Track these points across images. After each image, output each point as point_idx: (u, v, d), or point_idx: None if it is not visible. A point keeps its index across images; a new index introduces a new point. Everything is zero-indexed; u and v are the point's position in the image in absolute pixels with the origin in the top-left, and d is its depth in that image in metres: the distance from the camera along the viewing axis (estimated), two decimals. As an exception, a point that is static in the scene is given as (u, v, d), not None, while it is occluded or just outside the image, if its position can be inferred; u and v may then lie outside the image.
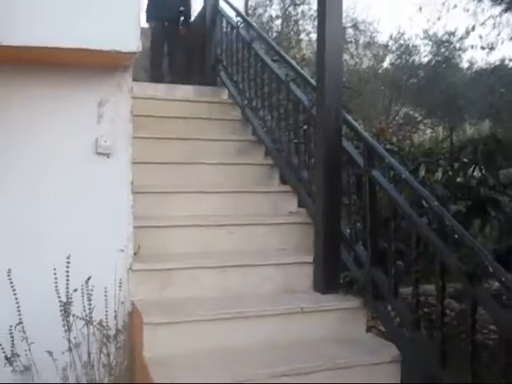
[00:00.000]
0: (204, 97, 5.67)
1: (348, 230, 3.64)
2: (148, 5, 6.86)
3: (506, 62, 12.91)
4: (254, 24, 5.70)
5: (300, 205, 4.23)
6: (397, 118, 12.22)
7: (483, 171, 4.61)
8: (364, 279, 3.44)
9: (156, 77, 6.60)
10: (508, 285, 2.44)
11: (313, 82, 4.01)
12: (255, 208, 4.16)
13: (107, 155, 3.30)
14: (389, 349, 3.22)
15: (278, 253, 3.80)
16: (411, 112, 12.82)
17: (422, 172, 4.23)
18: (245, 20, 5.55)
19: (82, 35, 2.89)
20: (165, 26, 6.83)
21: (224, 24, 5.86)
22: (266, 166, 4.62)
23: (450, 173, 4.45)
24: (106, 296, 3.09)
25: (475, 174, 4.95)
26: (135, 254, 3.38)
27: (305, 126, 4.26)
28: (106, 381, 3.06)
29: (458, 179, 4.63)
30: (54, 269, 2.93)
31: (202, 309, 3.23)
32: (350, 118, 3.77)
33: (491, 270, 2.51)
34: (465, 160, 4.41)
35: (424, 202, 2.93)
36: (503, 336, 2.47)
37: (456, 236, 2.73)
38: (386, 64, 13.58)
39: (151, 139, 4.35)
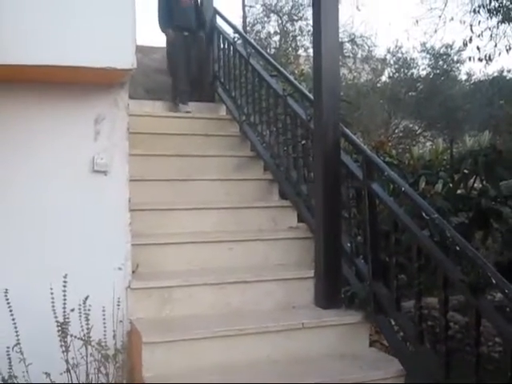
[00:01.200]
0: (202, 113, 5.67)
1: (348, 244, 3.61)
2: (161, 13, 6.21)
3: (505, 73, 12.95)
4: (251, 40, 5.70)
5: (300, 219, 4.21)
6: (396, 131, 12.22)
7: (484, 182, 4.57)
8: (365, 293, 3.40)
9: (184, 96, 5.90)
10: (511, 296, 2.40)
11: (310, 96, 4.00)
12: (255, 223, 4.14)
13: (104, 173, 3.28)
14: (392, 364, 3.17)
15: (278, 268, 3.76)
16: (410, 125, 12.82)
17: (422, 184, 4.19)
18: (242, 36, 5.56)
19: (77, 53, 2.88)
20: (184, 35, 6.15)
21: (221, 40, 5.87)
22: (265, 181, 4.60)
23: (451, 184, 4.41)
24: (104, 315, 3.04)
25: (476, 185, 4.92)
26: (133, 272, 3.35)
27: (303, 141, 4.24)
28: (105, 403, 3.01)
29: (459, 191, 4.59)
30: (51, 288, 2.89)
31: (201, 327, 3.19)
32: (348, 131, 3.75)
33: (494, 281, 2.47)
34: (465, 171, 4.37)
35: (424, 215, 2.90)
36: (508, 349, 2.42)
37: (458, 248, 2.70)
38: (384, 77, 13.62)
39: (149, 156, 4.33)
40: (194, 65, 6.15)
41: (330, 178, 3.52)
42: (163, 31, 6.15)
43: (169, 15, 6.12)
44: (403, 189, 3.10)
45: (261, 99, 4.92)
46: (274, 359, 3.15)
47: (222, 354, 3.10)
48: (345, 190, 3.67)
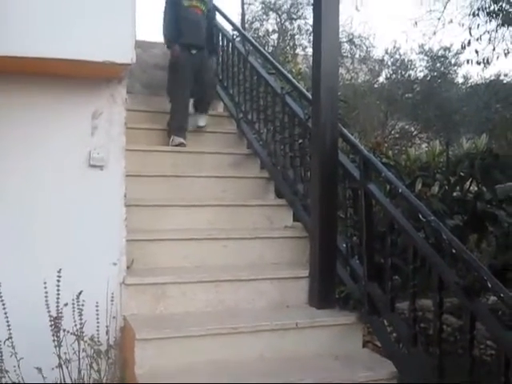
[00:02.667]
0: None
1: (344, 245, 3.60)
2: (166, 24, 5.32)
3: (502, 77, 12.96)
4: (250, 37, 5.68)
5: (295, 219, 4.20)
6: (393, 132, 12.24)
7: (480, 185, 4.58)
8: (360, 294, 3.40)
9: (181, 132, 4.92)
10: (506, 300, 2.40)
11: (309, 95, 3.99)
12: (250, 222, 4.13)
13: (100, 167, 3.26)
14: (385, 365, 3.16)
15: (272, 267, 3.75)
16: (407, 126, 12.83)
17: (419, 186, 4.20)
18: (241, 33, 5.54)
19: (76, 46, 2.86)
20: (192, 54, 5.22)
21: (220, 37, 5.85)
22: (261, 180, 4.59)
23: (447, 187, 4.42)
24: (97, 311, 3.03)
25: (472, 188, 4.93)
26: (128, 267, 3.33)
27: (300, 140, 4.23)
28: (96, 399, 3.00)
29: (455, 193, 4.60)
30: (45, 282, 2.87)
31: (195, 324, 3.17)
32: (345, 131, 3.74)
33: (490, 285, 2.47)
34: (462, 174, 4.38)
35: (421, 216, 2.89)
36: (502, 352, 2.42)
37: (453, 250, 2.69)
38: (381, 79, 13.63)
39: (145, 152, 4.32)
40: (203, 90, 5.23)
41: (327, 178, 3.51)
42: (168, 46, 5.31)
43: (176, 28, 5.21)
44: (400, 190, 3.09)
45: (259, 97, 4.91)
46: (267, 358, 3.14)
47: (215, 352, 3.09)
48: (341, 190, 3.66)
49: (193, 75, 5.15)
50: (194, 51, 5.21)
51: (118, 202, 3.28)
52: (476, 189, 4.80)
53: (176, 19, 5.22)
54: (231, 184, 4.40)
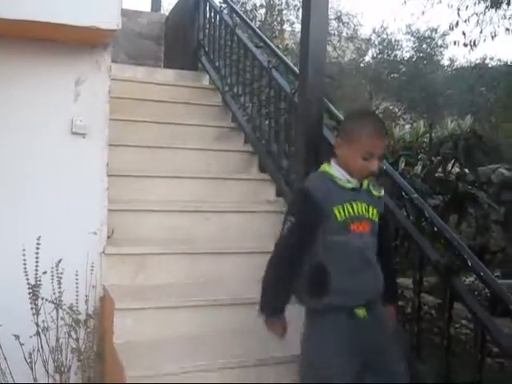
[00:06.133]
0: (184, 81, 5.58)
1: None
2: None
3: (487, 60, 13.01)
4: (238, 9, 5.60)
5: (278, 194, 4.19)
6: (377, 112, 12.25)
7: (462, 167, 4.61)
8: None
9: None
10: (486, 279, 2.42)
11: (296, 69, 3.95)
12: (233, 195, 4.11)
13: (83, 135, 3.21)
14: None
15: (254, 240, 3.74)
16: (391, 107, 12.87)
17: (402, 165, 4.21)
18: (229, 4, 5.46)
19: (61, 10, 2.80)
20: None
21: (207, 8, 5.77)
22: (245, 154, 4.56)
23: (430, 167, 4.44)
24: (77, 280, 3.02)
25: (454, 169, 4.96)
26: (109, 237, 3.31)
27: (286, 114, 4.21)
28: (74, 366, 2.99)
29: (437, 174, 4.63)
30: (24, 250, 2.84)
31: (175, 295, 3.18)
32: (332, 106, 3.72)
33: (470, 263, 2.49)
34: (445, 155, 4.40)
35: (404, 194, 2.90)
36: (479, 331, 2.45)
37: (435, 229, 2.71)
38: (368, 58, 13.61)
39: (128, 122, 4.27)
40: None
41: (312, 154, 3.49)
42: None
43: None
44: (384, 167, 3.09)
45: (245, 70, 4.86)
46: (247, 330, 3.14)
47: (195, 323, 3.09)
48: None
49: None
50: None
51: (100, 171, 3.24)
52: (458, 170, 4.83)
53: None
54: (215, 157, 4.37)
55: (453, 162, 4.77)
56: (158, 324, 3.03)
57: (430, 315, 4.74)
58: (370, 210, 2.25)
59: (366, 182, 2.27)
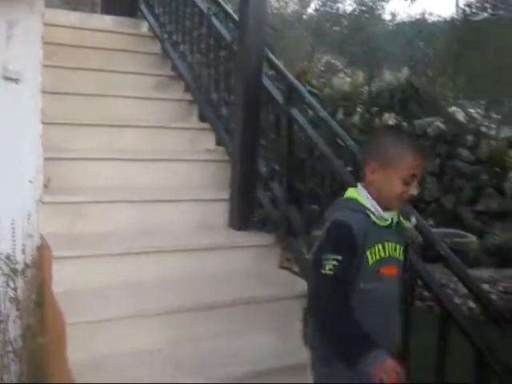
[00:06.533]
0: (122, 28, 5.40)
1: (264, 168, 3.65)
2: None
3: (427, 15, 13.20)
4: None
5: (218, 143, 4.20)
6: (318, 65, 12.29)
7: (399, 117, 4.72)
8: (278, 217, 3.49)
9: None
10: (420, 227, 2.51)
11: (236, 17, 3.91)
12: (173, 144, 4.08)
13: (16, 81, 3.10)
14: (301, 283, 3.28)
15: (195, 189, 3.76)
16: (333, 60, 12.92)
17: (340, 115, 4.27)
18: None
19: None
20: None
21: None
22: (184, 102, 4.52)
23: (368, 118, 4.52)
24: (13, 229, 2.98)
25: (391, 120, 5.07)
26: (45, 186, 3.24)
27: (226, 63, 4.18)
28: (12, 315, 2.98)
29: (375, 124, 4.72)
30: (-44, 198, 2.77)
31: (114, 243, 3.18)
32: (272, 56, 3.72)
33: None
34: (382, 105, 4.49)
35: (340, 141, 2.96)
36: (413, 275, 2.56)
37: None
38: (310, 10, 13.56)
39: (64, 69, 4.14)
40: None
41: (251, 102, 3.51)
42: None
43: None
44: (321, 115, 3.14)
45: (185, 17, 4.77)
46: (187, 277, 3.19)
47: (135, 271, 3.10)
48: (264, 115, 3.67)
49: None
50: None
51: (34, 118, 3.15)
52: (395, 121, 4.95)
53: None
54: (154, 106, 4.30)
55: (390, 114, 4.86)
56: (98, 272, 3.02)
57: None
58: (398, 248, 1.96)
59: (397, 215, 1.96)
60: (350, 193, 1.96)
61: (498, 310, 2.30)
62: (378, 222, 1.89)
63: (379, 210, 1.89)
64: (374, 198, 1.89)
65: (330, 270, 1.82)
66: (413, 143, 1.91)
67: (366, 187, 1.92)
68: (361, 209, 1.89)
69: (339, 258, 1.82)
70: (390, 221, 1.91)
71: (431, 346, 2.46)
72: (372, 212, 1.88)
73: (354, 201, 1.91)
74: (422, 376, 2.45)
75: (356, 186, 1.97)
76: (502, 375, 2.14)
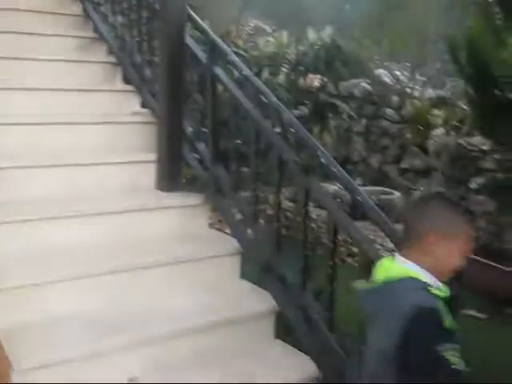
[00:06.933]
0: (39, -11, 5.20)
1: (191, 129, 3.64)
2: None
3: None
4: None
5: (144, 105, 4.14)
6: (247, 28, 12.20)
7: (323, 77, 4.78)
8: (206, 176, 3.50)
9: None
10: (348, 186, 2.58)
11: (156, -25, 3.83)
12: (97, 107, 3.98)
13: None
14: (231, 242, 3.34)
15: (121, 152, 3.70)
16: (261, 24, 12.86)
17: (266, 74, 4.29)
18: None
19: None
20: None
21: None
22: (108, 65, 4.41)
23: (293, 77, 4.56)
24: None
25: (317, 81, 5.13)
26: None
27: (148, 23, 4.10)
28: None
29: (300, 84, 4.77)
30: None
31: (37, 208, 3.09)
32: (194, 15, 3.68)
33: (324, 161, 2.66)
34: (307, 65, 4.53)
35: (263, 98, 2.99)
36: (332, 221, 2.65)
37: (292, 130, 2.84)
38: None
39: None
40: None
41: (174, 62, 3.48)
42: None
43: None
44: (244, 72, 3.14)
45: (105, -23, 4.63)
46: (115, 239, 3.17)
47: (60, 235, 3.04)
48: (189, 75, 3.65)
49: None
50: None
51: None
52: (320, 81, 5.01)
53: None
54: (76, 69, 4.18)
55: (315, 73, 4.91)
56: (18, 237, 2.94)
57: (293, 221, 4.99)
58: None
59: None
60: (404, 270, 1.72)
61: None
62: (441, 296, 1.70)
63: (439, 284, 1.73)
64: (427, 270, 1.72)
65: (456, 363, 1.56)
66: (468, 213, 1.85)
67: (417, 259, 1.73)
68: (426, 289, 1.69)
69: (456, 346, 1.59)
70: (447, 293, 1.74)
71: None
72: (434, 288, 1.70)
73: (415, 280, 1.70)
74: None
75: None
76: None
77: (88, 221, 3.14)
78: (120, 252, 3.07)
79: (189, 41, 3.57)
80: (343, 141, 9.37)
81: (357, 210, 2.75)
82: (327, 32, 4.58)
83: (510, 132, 2.22)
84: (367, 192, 7.45)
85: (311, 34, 4.68)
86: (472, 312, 6.08)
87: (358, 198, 2.58)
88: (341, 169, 2.69)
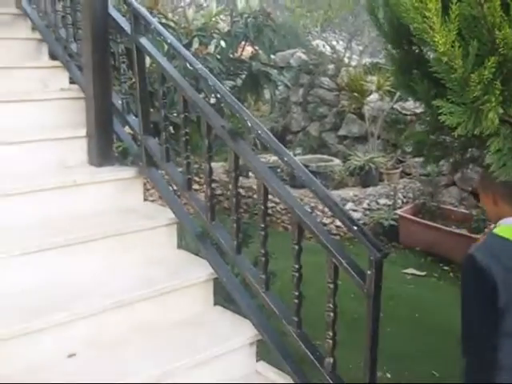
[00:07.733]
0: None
1: (120, 102, 3.60)
2: None
3: None
4: None
5: (72, 81, 4.06)
6: (181, 2, 12.04)
7: (254, 45, 4.78)
8: (138, 148, 3.48)
9: None
10: (285, 158, 2.60)
11: None
12: (23, 85, 3.86)
13: None
14: (165, 213, 3.35)
15: (50, 129, 3.62)
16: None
17: (196, 45, 4.26)
18: None
19: None
20: None
21: None
22: (33, 41, 4.29)
23: (223, 46, 4.54)
24: None
25: (248, 49, 5.12)
26: None
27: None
28: None
29: (231, 54, 4.75)
30: None
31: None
32: (117, -15, 3.62)
33: (250, 124, 2.68)
34: (236, 33, 4.52)
35: (189, 65, 2.98)
36: (261, 184, 2.68)
37: (218, 95, 2.85)
38: None
39: None
40: None
41: (98, 33, 3.41)
42: None
43: None
44: (169, 41, 3.12)
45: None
46: (47, 217, 3.13)
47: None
48: (114, 47, 3.60)
49: None
50: None
51: None
52: (252, 49, 5.01)
53: None
54: (-1, 46, 4.06)
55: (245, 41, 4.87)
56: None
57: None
58: None
59: None
60: None
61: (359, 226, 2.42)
62: None
63: None
64: None
65: None
66: None
67: None
68: None
69: None
70: None
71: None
72: None
73: None
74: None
75: None
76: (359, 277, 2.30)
77: (18, 200, 3.08)
78: (54, 229, 3.03)
79: (113, 13, 3.51)
80: (281, 111, 9.47)
81: (297, 180, 2.79)
82: (256, 1, 4.56)
83: (426, 88, 2.29)
84: (306, 160, 7.57)
85: (240, 3, 4.65)
86: (412, 270, 6.34)
87: (295, 168, 2.58)
88: (275, 139, 2.69)
